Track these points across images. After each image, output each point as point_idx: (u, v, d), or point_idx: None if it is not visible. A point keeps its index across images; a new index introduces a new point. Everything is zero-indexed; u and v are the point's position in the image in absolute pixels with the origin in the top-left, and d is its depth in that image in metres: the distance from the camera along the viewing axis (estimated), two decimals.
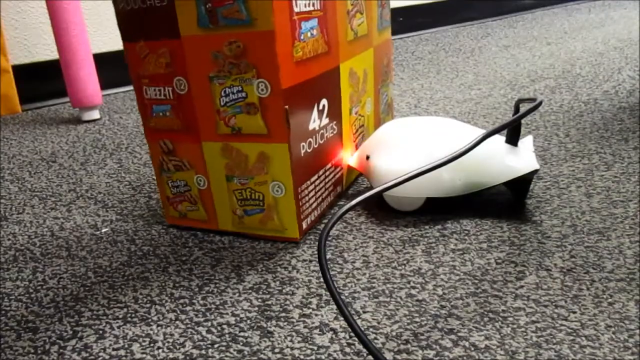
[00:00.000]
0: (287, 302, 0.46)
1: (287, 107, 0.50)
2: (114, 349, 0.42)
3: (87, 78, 1.17)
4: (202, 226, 0.60)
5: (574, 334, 0.39)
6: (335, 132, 0.62)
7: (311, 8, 0.53)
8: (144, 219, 0.65)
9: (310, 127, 0.55)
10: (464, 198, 0.63)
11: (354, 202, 0.47)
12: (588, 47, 1.44)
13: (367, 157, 0.63)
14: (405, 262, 0.51)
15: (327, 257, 0.52)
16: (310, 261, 0.52)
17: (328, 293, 0.47)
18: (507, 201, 0.61)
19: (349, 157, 0.66)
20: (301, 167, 0.54)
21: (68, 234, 0.63)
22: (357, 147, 0.69)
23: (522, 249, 0.51)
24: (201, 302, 0.47)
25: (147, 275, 0.52)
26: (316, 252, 0.54)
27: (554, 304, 0.43)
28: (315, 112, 0.56)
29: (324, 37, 0.57)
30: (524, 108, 0.59)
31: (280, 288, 0.48)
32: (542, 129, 0.84)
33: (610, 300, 0.43)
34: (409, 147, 0.60)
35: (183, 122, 0.55)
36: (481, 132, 0.60)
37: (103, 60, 1.51)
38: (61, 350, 0.42)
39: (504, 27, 1.96)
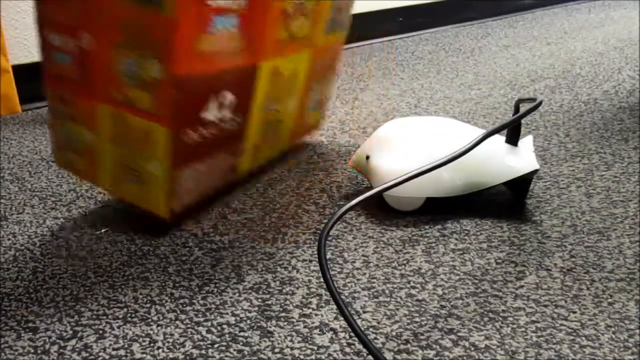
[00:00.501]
0: (287, 302, 0.46)
1: (176, 93, 0.51)
2: (114, 349, 0.42)
3: None
4: (86, 179, 0.62)
5: (574, 334, 0.39)
6: (236, 125, 0.62)
7: (230, 4, 0.54)
8: (144, 219, 0.65)
9: (204, 117, 0.56)
10: (463, 198, 0.63)
11: (353, 202, 0.47)
12: (588, 47, 1.44)
13: (367, 158, 0.62)
14: (405, 262, 0.51)
15: (327, 257, 0.52)
16: (310, 261, 0.52)
17: (328, 293, 0.47)
18: (507, 201, 0.61)
19: (249, 148, 0.67)
20: (183, 152, 0.55)
21: (68, 234, 0.63)
22: (268, 140, 0.70)
23: (522, 249, 0.51)
24: (201, 302, 0.47)
25: (147, 275, 0.52)
26: (316, 252, 0.54)
27: (554, 303, 0.43)
28: (213, 104, 0.57)
29: (243, 34, 0.57)
30: (524, 108, 0.58)
31: (280, 288, 0.48)
32: (542, 129, 0.84)
33: (610, 300, 0.43)
34: (409, 147, 0.59)
35: (81, 76, 0.56)
36: (481, 132, 0.60)
37: None
38: (61, 350, 0.42)
39: (504, 27, 1.96)
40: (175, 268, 0.53)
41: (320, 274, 0.50)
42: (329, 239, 0.56)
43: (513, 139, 0.59)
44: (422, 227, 0.57)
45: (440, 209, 0.61)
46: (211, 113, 0.57)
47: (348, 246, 0.54)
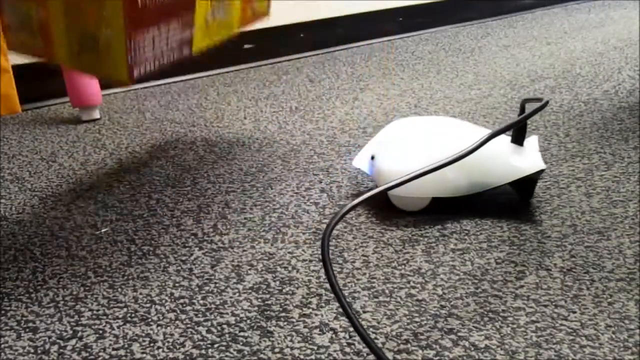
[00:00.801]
0: (287, 302, 0.46)
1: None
2: (113, 349, 0.42)
3: (87, 78, 1.17)
4: (41, 58, 0.61)
5: (574, 334, 0.39)
6: None
7: None
8: (143, 219, 0.65)
9: None
10: (469, 198, 0.63)
11: (357, 200, 0.47)
12: (588, 47, 1.44)
13: (372, 157, 0.62)
14: (405, 262, 0.51)
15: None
16: (310, 261, 0.52)
17: (328, 292, 0.47)
18: (507, 201, 0.61)
19: (201, 22, 0.68)
20: (136, 15, 0.55)
21: (68, 234, 0.63)
22: (218, 17, 0.71)
23: (522, 249, 0.51)
24: (201, 302, 0.47)
25: (147, 275, 0.52)
26: (316, 252, 0.54)
27: (553, 303, 0.43)
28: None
29: None
30: (530, 108, 0.58)
31: (280, 288, 0.48)
32: (542, 129, 0.84)
33: (610, 300, 0.43)
34: (414, 147, 0.59)
35: None
36: (487, 131, 0.60)
37: None
38: (61, 350, 0.42)
39: (503, 27, 1.96)
40: (175, 268, 0.53)
41: (320, 274, 0.50)
42: (329, 239, 0.56)
43: (519, 139, 0.59)
44: (422, 227, 0.57)
45: (441, 209, 0.61)
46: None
47: (348, 246, 0.54)
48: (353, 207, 0.47)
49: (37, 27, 0.59)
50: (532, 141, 0.61)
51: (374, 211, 0.62)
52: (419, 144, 0.59)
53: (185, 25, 0.64)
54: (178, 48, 0.64)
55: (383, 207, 0.62)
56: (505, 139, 0.60)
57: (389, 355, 0.39)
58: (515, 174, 0.57)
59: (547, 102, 0.56)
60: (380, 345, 0.40)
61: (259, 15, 0.83)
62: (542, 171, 0.57)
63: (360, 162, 0.65)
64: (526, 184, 0.60)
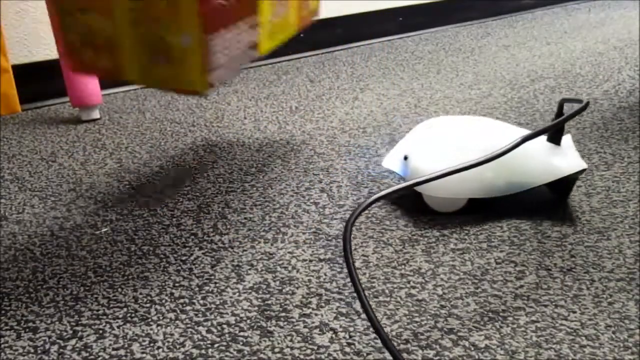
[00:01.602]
0: (287, 302, 0.46)
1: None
2: (114, 349, 0.42)
3: (87, 77, 1.17)
4: (109, 77, 0.57)
5: (574, 334, 0.39)
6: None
7: None
8: (143, 219, 0.65)
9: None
10: (506, 198, 0.62)
11: (384, 192, 0.46)
12: (588, 47, 1.44)
13: (405, 158, 0.61)
14: (405, 262, 0.51)
15: (327, 256, 0.52)
16: (310, 261, 0.52)
17: (329, 292, 0.47)
18: (507, 201, 0.61)
19: (265, 23, 0.65)
20: (210, 17, 0.52)
21: (68, 234, 0.63)
22: (279, 17, 0.68)
23: (522, 248, 0.51)
24: (201, 301, 0.47)
25: (147, 275, 0.52)
26: (316, 252, 0.54)
27: (553, 303, 0.43)
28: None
29: None
30: (568, 108, 0.57)
31: (280, 288, 0.48)
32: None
33: (610, 300, 0.43)
34: (450, 147, 0.58)
35: None
36: (522, 131, 0.59)
37: None
38: (61, 350, 0.42)
39: (503, 26, 1.96)
40: (175, 268, 0.53)
41: (320, 274, 0.50)
42: (329, 239, 0.56)
43: (556, 138, 0.57)
44: (422, 227, 0.57)
45: (477, 210, 0.60)
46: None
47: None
48: (379, 199, 0.45)
49: (102, 42, 0.55)
50: (567, 140, 0.60)
51: (373, 211, 0.62)
52: (455, 143, 0.58)
53: (252, 27, 0.61)
54: (247, 51, 0.61)
55: (382, 207, 0.62)
56: (541, 138, 0.58)
57: (389, 356, 0.39)
58: (556, 174, 0.56)
59: (587, 104, 0.54)
60: (380, 345, 0.40)
61: (312, 13, 0.80)
62: (583, 171, 0.56)
63: (392, 162, 0.64)
64: (565, 184, 0.58)
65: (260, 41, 0.64)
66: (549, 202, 0.60)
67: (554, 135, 0.57)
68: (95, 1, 0.52)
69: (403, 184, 0.48)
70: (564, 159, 0.56)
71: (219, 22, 0.53)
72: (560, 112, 0.58)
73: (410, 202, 0.63)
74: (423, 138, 0.61)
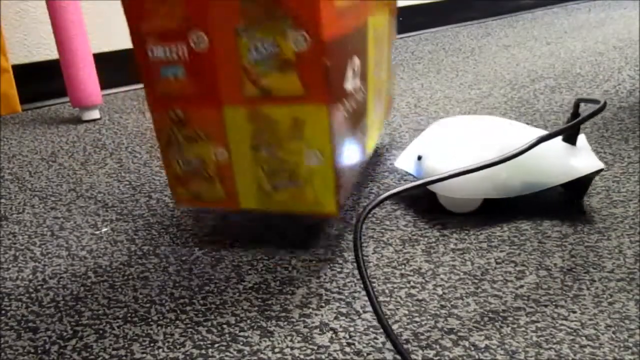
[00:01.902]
0: (287, 302, 0.46)
1: (327, 62, 0.44)
2: (114, 349, 0.42)
3: (87, 78, 1.17)
4: (219, 206, 0.52)
5: (574, 334, 0.39)
6: (364, 96, 0.55)
7: None
8: (144, 219, 0.65)
9: (346, 87, 0.49)
10: (522, 199, 0.61)
11: (397, 189, 0.45)
12: (588, 47, 1.44)
13: (419, 158, 0.60)
14: (405, 262, 0.51)
15: (327, 257, 0.53)
16: (310, 260, 0.52)
17: (329, 292, 0.47)
18: (507, 200, 0.61)
19: (370, 123, 0.61)
20: (339, 132, 0.48)
21: (68, 234, 0.63)
22: (378, 113, 0.63)
23: (522, 248, 0.51)
24: (201, 301, 0.47)
25: (147, 275, 0.52)
26: (316, 252, 0.54)
27: (554, 303, 0.43)
28: (350, 71, 0.50)
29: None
30: (584, 108, 0.57)
31: (280, 288, 0.48)
32: (541, 128, 0.84)
33: (610, 300, 0.43)
34: (465, 147, 0.57)
35: (199, 86, 0.48)
36: (537, 131, 0.59)
37: (103, 60, 1.51)
38: (61, 350, 0.42)
39: (503, 26, 1.96)
40: (175, 268, 0.53)
41: (320, 274, 0.50)
42: (330, 239, 0.56)
43: (571, 138, 0.57)
44: (422, 227, 0.57)
45: (492, 210, 0.60)
46: (349, 82, 0.50)
47: (348, 246, 0.54)
48: (390, 197, 0.45)
49: (214, 171, 0.51)
50: (581, 140, 0.59)
51: (374, 211, 0.62)
52: (470, 143, 0.57)
53: (363, 132, 0.58)
54: (360, 158, 0.57)
55: (382, 207, 0.62)
56: (556, 138, 0.58)
57: (389, 355, 0.39)
58: (573, 174, 0.55)
59: (604, 105, 0.53)
60: (380, 345, 0.40)
61: (391, 102, 0.77)
62: (600, 170, 0.55)
63: (404, 163, 0.63)
64: (581, 184, 0.58)
65: (368, 143, 0.61)
66: (549, 202, 0.60)
67: (570, 135, 0.57)
68: (209, 130, 0.49)
69: (414, 183, 0.47)
70: (581, 158, 0.56)
71: (345, 135, 0.50)
72: (576, 111, 0.57)
73: (415, 202, 0.63)
74: (437, 138, 0.60)
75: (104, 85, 1.54)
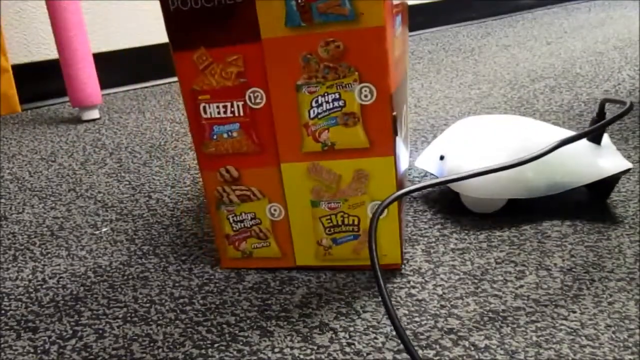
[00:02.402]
0: (287, 302, 0.46)
1: (395, 113, 0.44)
2: (113, 349, 0.42)
3: (87, 78, 1.17)
4: (272, 265, 0.51)
5: (574, 334, 0.39)
6: (407, 145, 0.55)
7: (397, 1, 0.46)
8: (143, 219, 0.65)
9: (402, 136, 0.49)
10: (546, 199, 0.60)
11: (416, 185, 0.45)
12: (588, 47, 1.44)
13: (441, 158, 0.59)
14: (405, 261, 0.51)
15: None
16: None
17: (329, 292, 0.47)
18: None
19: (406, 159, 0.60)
20: (402, 182, 0.48)
21: (68, 234, 0.63)
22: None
23: (522, 248, 0.51)
24: (201, 301, 0.47)
25: (146, 274, 0.52)
26: None
27: (553, 303, 0.43)
28: (402, 120, 0.49)
29: (403, 34, 0.51)
30: (610, 108, 0.56)
31: (280, 288, 0.48)
32: None
33: (610, 299, 0.43)
34: (489, 147, 0.56)
35: (255, 143, 0.47)
36: (561, 131, 0.58)
37: (103, 60, 1.51)
38: (61, 350, 0.42)
39: (503, 26, 1.96)
40: (175, 268, 0.53)
41: (320, 274, 0.50)
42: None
43: (597, 138, 0.56)
44: (422, 226, 0.57)
45: (516, 211, 0.60)
46: (403, 131, 0.49)
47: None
48: (409, 193, 0.44)
49: (269, 229, 0.50)
50: (606, 139, 0.58)
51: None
52: (494, 143, 0.56)
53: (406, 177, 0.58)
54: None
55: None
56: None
57: (389, 355, 0.39)
58: (601, 174, 0.54)
59: (631, 106, 0.52)
60: (380, 345, 0.40)
61: None
62: (627, 170, 0.55)
63: (425, 162, 0.62)
64: (607, 184, 0.57)
65: None
66: (549, 201, 0.60)
67: (595, 135, 0.56)
68: (262, 185, 0.48)
69: (435, 180, 0.46)
70: (607, 158, 0.55)
71: (405, 186, 0.49)
72: (601, 111, 0.56)
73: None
74: (459, 138, 0.59)
75: (104, 85, 1.54)
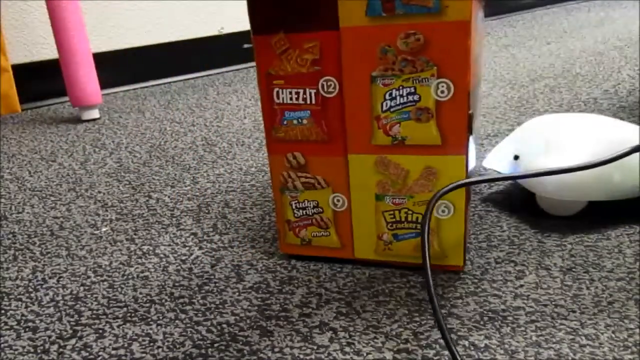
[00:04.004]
0: (287, 302, 0.46)
1: (471, 111, 0.43)
2: (113, 348, 0.42)
3: (87, 77, 1.17)
4: (330, 255, 0.51)
5: (574, 333, 0.39)
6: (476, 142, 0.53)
7: None
8: (143, 218, 0.65)
9: (473, 136, 0.48)
10: (629, 202, 0.58)
11: (481, 178, 0.43)
12: (588, 47, 1.44)
13: (516, 157, 0.57)
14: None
15: (327, 256, 0.52)
16: (310, 260, 0.52)
17: (329, 292, 0.47)
18: (506, 200, 0.61)
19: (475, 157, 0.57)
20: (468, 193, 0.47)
21: (68, 233, 0.63)
22: None
23: (522, 248, 0.51)
24: (201, 301, 0.47)
25: (146, 274, 0.52)
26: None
27: (553, 303, 0.43)
28: (475, 119, 0.48)
29: (482, 30, 0.50)
30: None
31: (280, 287, 0.48)
32: None
33: (610, 299, 0.43)
34: (570, 146, 0.54)
35: (324, 132, 0.47)
36: None
37: (102, 60, 1.51)
38: (61, 350, 0.42)
39: (503, 26, 1.96)
40: (175, 267, 0.53)
41: (319, 273, 0.50)
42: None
43: None
44: None
45: (597, 214, 0.57)
46: (475, 130, 0.48)
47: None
48: (474, 183, 0.43)
49: (331, 219, 0.49)
50: None
51: None
52: (573, 142, 0.54)
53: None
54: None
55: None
56: None
57: (389, 355, 0.39)
58: None
59: None
60: (380, 345, 0.40)
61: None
62: None
63: (496, 162, 0.60)
64: None
65: None
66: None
67: None
68: (328, 174, 0.48)
69: (504, 175, 0.44)
70: None
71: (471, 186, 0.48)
72: None
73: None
74: (537, 136, 0.57)
75: (104, 85, 1.54)
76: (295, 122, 0.47)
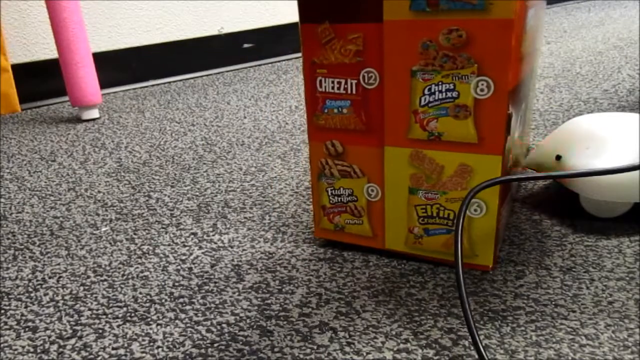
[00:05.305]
0: (287, 302, 0.46)
1: (510, 111, 0.43)
2: (113, 348, 0.42)
3: (87, 77, 1.17)
4: (362, 243, 0.52)
5: (574, 333, 0.39)
6: (526, 143, 0.52)
7: None
8: (143, 218, 0.65)
9: (514, 137, 0.47)
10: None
11: (525, 175, 0.43)
12: (588, 46, 1.44)
13: (558, 158, 0.56)
14: (405, 261, 0.51)
15: (327, 256, 0.52)
16: (310, 260, 0.52)
17: (329, 292, 0.47)
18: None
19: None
20: (505, 191, 0.47)
21: (67, 233, 0.63)
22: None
23: (522, 248, 0.51)
24: (201, 301, 0.47)
25: (146, 274, 0.52)
26: (315, 252, 0.54)
27: (553, 303, 0.43)
28: (519, 119, 0.48)
29: (536, 29, 0.49)
30: None
31: (279, 287, 0.48)
32: (541, 128, 0.84)
33: (609, 299, 0.43)
34: (615, 146, 0.52)
35: (363, 122, 0.47)
36: None
37: (102, 60, 1.51)
38: (61, 350, 0.42)
39: None
40: (174, 267, 0.53)
41: (319, 273, 0.50)
42: (329, 239, 0.56)
43: None
44: None
45: (624, 217, 0.57)
46: (517, 131, 0.48)
47: (348, 245, 0.54)
48: (513, 180, 0.43)
49: (364, 208, 0.50)
50: None
51: None
52: (620, 142, 0.52)
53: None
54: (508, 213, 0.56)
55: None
56: None
57: (389, 354, 0.39)
58: None
59: None
60: (379, 344, 0.40)
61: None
62: None
63: (536, 162, 0.59)
64: None
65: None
66: (549, 201, 0.60)
67: None
68: (364, 164, 0.48)
69: (543, 174, 0.43)
70: None
71: (508, 187, 0.48)
72: None
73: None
74: (580, 137, 0.55)
75: (104, 84, 1.54)
76: (335, 110, 0.48)
